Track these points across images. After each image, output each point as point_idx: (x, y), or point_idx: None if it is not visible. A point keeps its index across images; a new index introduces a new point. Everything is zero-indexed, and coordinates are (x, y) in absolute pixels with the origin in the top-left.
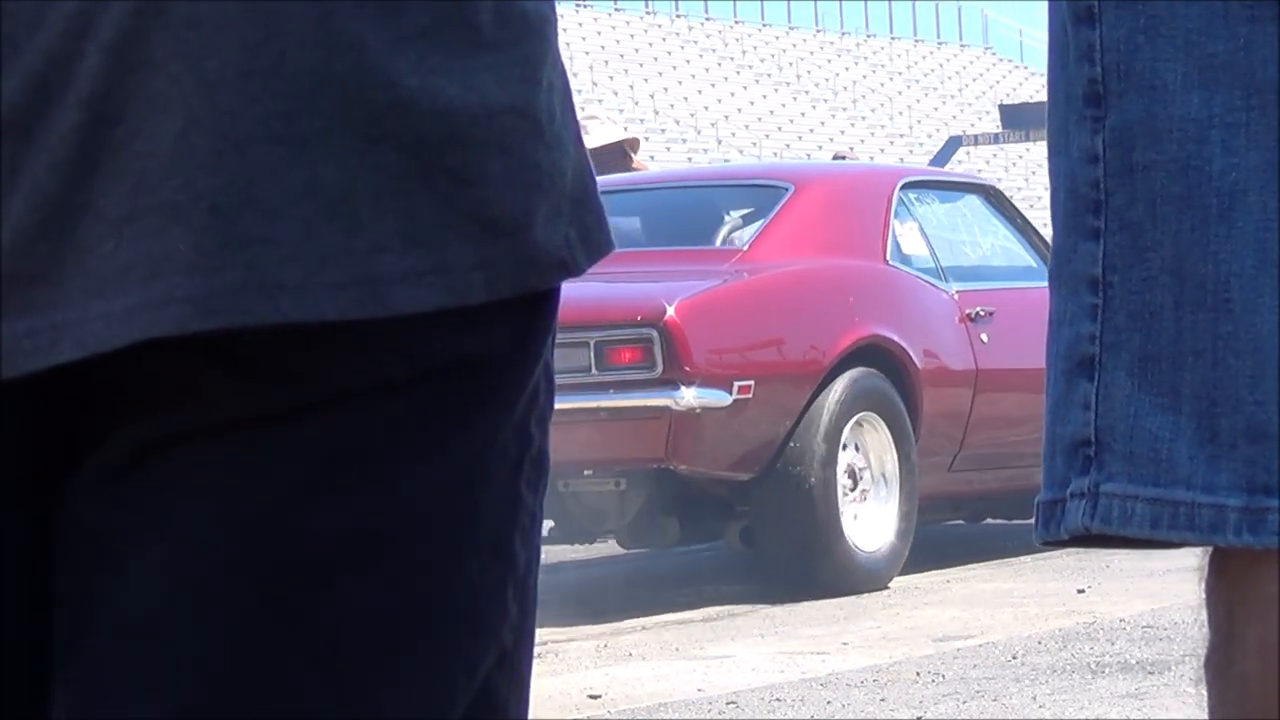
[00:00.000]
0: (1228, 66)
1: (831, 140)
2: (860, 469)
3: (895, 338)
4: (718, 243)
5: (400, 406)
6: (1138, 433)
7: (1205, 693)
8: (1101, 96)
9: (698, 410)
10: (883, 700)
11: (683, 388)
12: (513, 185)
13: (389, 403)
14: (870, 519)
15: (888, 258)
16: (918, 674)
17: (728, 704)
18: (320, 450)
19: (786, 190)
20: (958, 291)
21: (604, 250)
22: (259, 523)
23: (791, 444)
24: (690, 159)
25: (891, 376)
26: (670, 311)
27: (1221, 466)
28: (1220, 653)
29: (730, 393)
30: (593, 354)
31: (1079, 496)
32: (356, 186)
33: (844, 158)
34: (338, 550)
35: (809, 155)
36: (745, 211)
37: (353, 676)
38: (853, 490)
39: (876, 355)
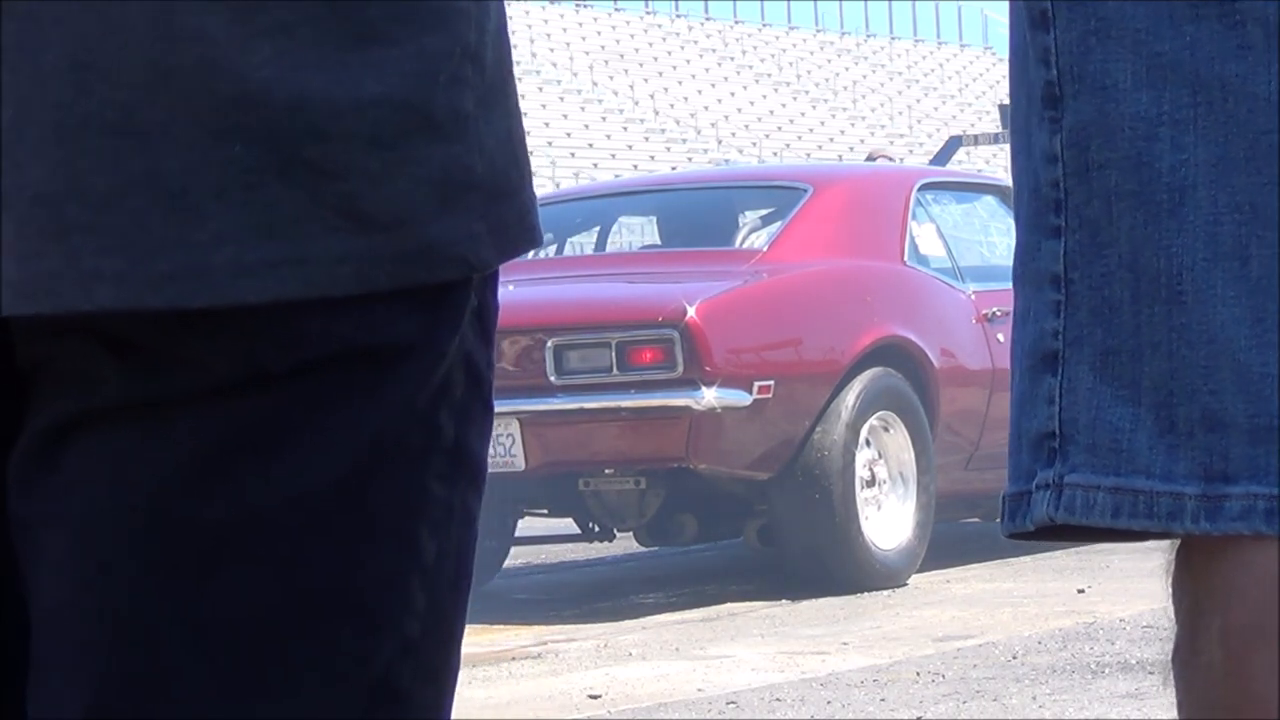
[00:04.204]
0: (1175, 65)
1: (831, 140)
2: (878, 468)
3: (913, 338)
4: (737, 244)
5: (285, 395)
6: (1100, 424)
7: (1174, 686)
8: (1058, 98)
9: (718, 410)
10: (883, 700)
11: (703, 388)
12: (391, 179)
13: (273, 391)
14: (888, 517)
15: (905, 258)
16: (918, 674)
17: (728, 704)
18: (205, 437)
19: (805, 191)
20: (975, 291)
21: (523, 246)
22: (147, 510)
23: (810, 443)
24: (690, 159)
25: (909, 376)
26: (691, 312)
27: (1180, 455)
28: (1186, 645)
29: (750, 392)
30: (614, 354)
31: (1044, 488)
32: (200, 178)
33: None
34: (221, 538)
35: (809, 155)
36: (764, 212)
37: (238, 665)
38: (870, 488)
39: (894, 355)
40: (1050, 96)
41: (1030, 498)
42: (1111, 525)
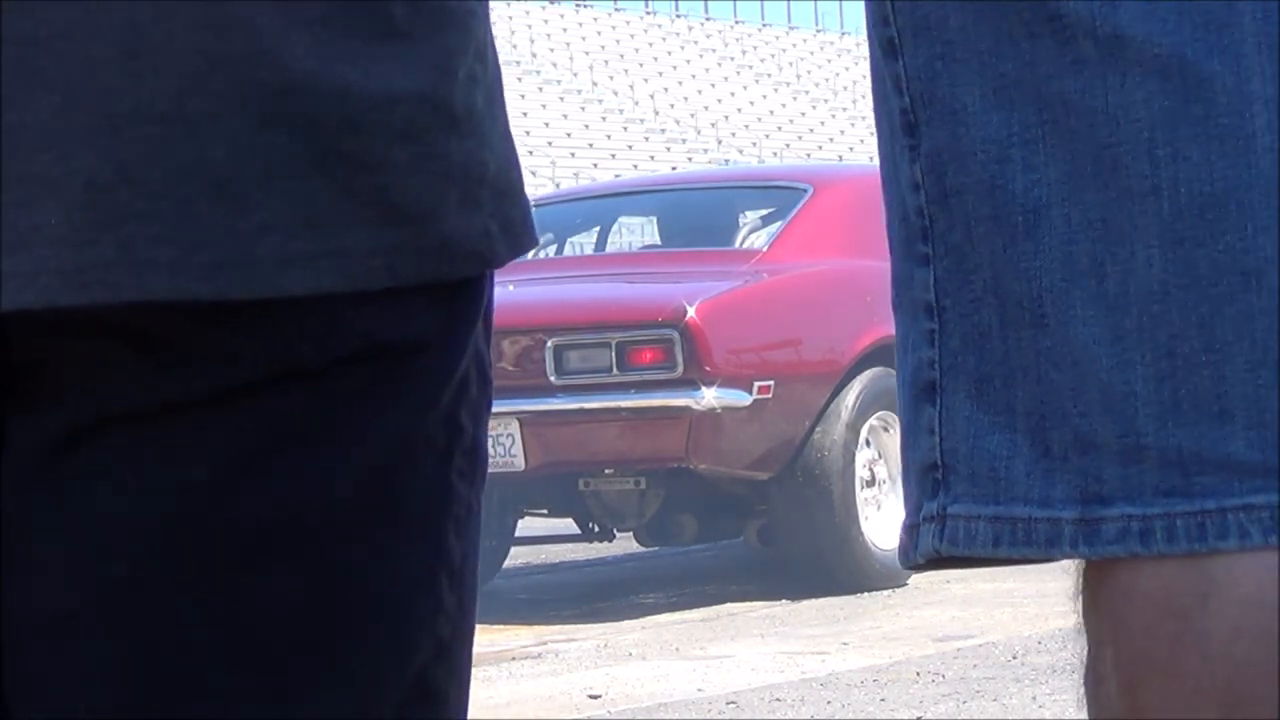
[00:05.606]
0: (1019, 84)
1: (831, 140)
2: (878, 468)
3: None
4: (737, 244)
5: (317, 393)
6: (978, 453)
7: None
8: (914, 125)
9: (718, 410)
10: (883, 700)
11: (703, 388)
12: (418, 173)
13: (305, 387)
14: (887, 517)
15: None
16: (918, 674)
17: (728, 704)
18: (237, 438)
19: (805, 191)
20: None
21: (526, 245)
22: (176, 514)
23: (810, 443)
24: (690, 159)
25: None
26: (691, 312)
27: (1056, 480)
28: (1091, 672)
29: (750, 393)
30: (614, 354)
31: (930, 520)
32: (245, 168)
33: None
34: (257, 541)
35: (809, 155)
36: (764, 212)
37: (277, 669)
38: (870, 488)
39: (894, 355)
40: (906, 124)
41: (919, 530)
42: (993, 555)
